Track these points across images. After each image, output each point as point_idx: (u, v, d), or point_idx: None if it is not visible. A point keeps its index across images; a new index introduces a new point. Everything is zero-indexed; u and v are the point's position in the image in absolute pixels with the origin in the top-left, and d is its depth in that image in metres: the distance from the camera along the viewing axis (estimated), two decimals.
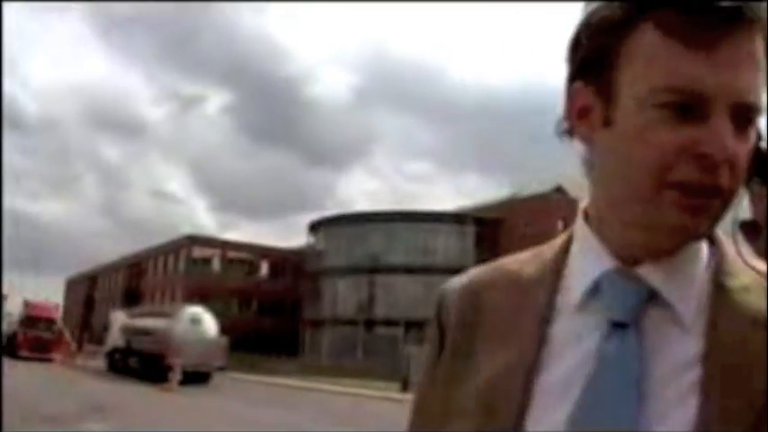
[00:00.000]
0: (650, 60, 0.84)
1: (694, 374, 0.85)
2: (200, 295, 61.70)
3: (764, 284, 0.89)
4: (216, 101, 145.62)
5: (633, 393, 0.84)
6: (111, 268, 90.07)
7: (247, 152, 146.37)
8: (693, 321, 0.88)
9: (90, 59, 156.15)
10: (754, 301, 0.88)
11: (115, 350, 38.60)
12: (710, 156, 0.81)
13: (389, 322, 57.41)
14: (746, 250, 0.90)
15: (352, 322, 59.48)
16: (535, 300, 0.96)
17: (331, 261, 62.34)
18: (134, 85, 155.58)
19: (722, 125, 0.81)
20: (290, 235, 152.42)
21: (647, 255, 0.90)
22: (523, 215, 55.56)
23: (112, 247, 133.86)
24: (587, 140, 0.92)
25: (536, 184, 56.76)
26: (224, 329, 36.18)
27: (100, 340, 47.27)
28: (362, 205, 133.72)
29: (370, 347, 56.79)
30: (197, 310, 35.72)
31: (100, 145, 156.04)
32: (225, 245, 74.38)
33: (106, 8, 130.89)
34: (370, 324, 58.91)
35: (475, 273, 1.09)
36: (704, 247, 0.93)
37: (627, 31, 0.85)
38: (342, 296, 61.61)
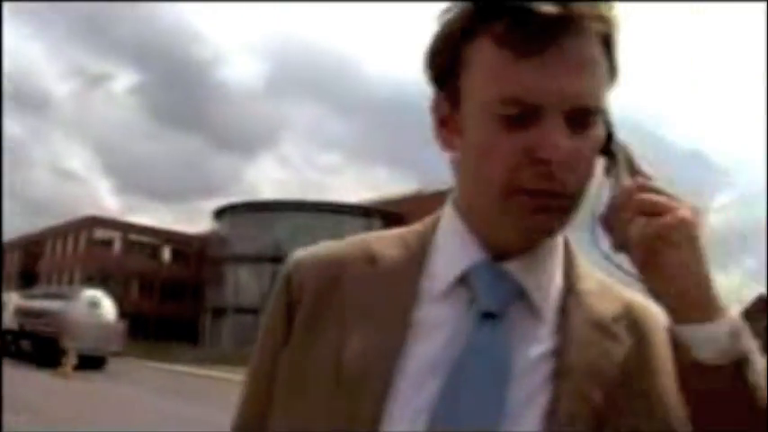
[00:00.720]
0: (486, 71, 0.87)
1: (549, 367, 0.90)
2: (99, 278, 60.49)
3: (605, 289, 0.99)
4: (123, 80, 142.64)
5: (501, 379, 0.88)
6: (7, 247, 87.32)
7: (154, 134, 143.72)
8: (551, 318, 0.94)
9: None
10: (596, 305, 0.96)
11: (7, 332, 37.43)
12: (545, 160, 0.84)
13: None
14: (605, 244, 0.91)
15: (254, 311, 59.07)
16: (400, 283, 0.97)
17: (235, 248, 61.78)
18: (39, 59, 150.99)
19: (553, 130, 0.84)
20: (195, 220, 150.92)
21: (510, 250, 0.94)
22: (429, 211, 55.65)
23: (8, 226, 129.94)
24: (449, 147, 0.97)
25: (443, 180, 57.34)
26: (123, 314, 35.49)
27: None
28: (269, 194, 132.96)
29: None
30: (95, 293, 34.95)
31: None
32: (127, 227, 73.00)
33: None
34: None
35: (331, 246, 1.09)
36: (560, 245, 1.00)
37: (467, 42, 0.88)
38: (244, 284, 61.14)
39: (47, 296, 37.50)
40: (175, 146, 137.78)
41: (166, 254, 74.80)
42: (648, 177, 0.88)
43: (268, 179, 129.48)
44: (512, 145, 0.86)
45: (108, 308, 34.00)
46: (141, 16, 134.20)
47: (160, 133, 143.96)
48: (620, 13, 0.88)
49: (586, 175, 0.89)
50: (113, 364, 32.41)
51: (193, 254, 72.79)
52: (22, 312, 35.95)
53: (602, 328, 0.94)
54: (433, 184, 60.19)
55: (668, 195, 0.85)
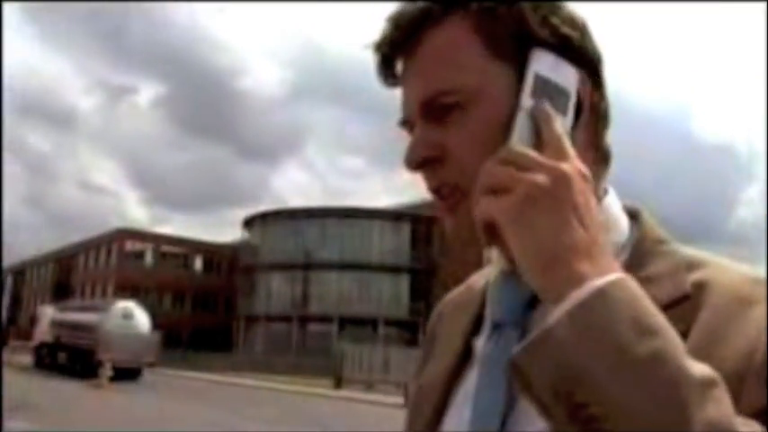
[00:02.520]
0: None
1: None
2: (132, 290, 60.93)
3: (678, 270, 0.85)
4: (147, 93, 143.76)
5: (501, 393, 0.84)
6: (40, 262, 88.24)
7: (179, 145, 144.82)
8: None
9: (18, 47, 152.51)
10: (660, 291, 0.80)
11: (43, 345, 37.84)
12: (411, 162, 0.87)
13: (323, 319, 57.34)
14: None
15: (285, 318, 59.24)
16: (470, 311, 0.99)
17: (265, 256, 61.99)
18: (64, 74, 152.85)
19: (413, 136, 0.88)
20: (222, 229, 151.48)
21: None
22: None
23: (39, 240, 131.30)
24: None
25: None
26: (156, 324, 35.75)
27: (27, 335, 46.25)
28: (295, 200, 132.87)
29: (303, 344, 56.63)
30: (129, 304, 35.23)
31: (26, 134, 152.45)
32: (158, 238, 73.51)
33: None
34: (303, 320, 58.75)
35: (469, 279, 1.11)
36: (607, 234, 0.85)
37: None
38: (276, 292, 61.31)
39: (81, 309, 37.86)
40: (200, 156, 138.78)
41: (198, 264, 75.19)
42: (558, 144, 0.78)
43: (293, 185, 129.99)
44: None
45: (142, 319, 34.25)
46: (162, 27, 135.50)
47: (185, 144, 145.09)
48: None
49: (473, 158, 0.83)
50: (147, 375, 32.64)
51: (224, 263, 73.16)
52: (57, 325, 36.31)
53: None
54: None
55: (531, 162, 0.74)
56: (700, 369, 0.66)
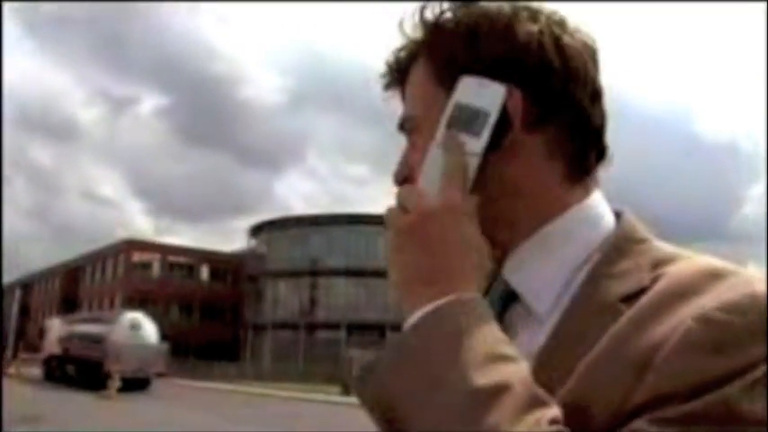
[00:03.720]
0: None
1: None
2: (139, 300, 60.94)
3: (642, 267, 0.86)
4: (148, 103, 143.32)
5: None
6: (47, 274, 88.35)
7: (182, 155, 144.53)
8: (550, 313, 0.88)
9: (17, 60, 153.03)
10: (620, 286, 0.84)
11: (52, 357, 37.90)
12: (394, 181, 0.99)
13: (331, 325, 57.35)
14: None
15: (293, 326, 59.25)
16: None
17: (272, 265, 62.05)
18: (64, 86, 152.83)
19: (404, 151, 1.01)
20: (227, 238, 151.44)
21: (496, 253, 0.92)
22: None
23: (46, 253, 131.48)
24: None
25: None
26: (164, 335, 35.78)
27: (35, 348, 46.33)
28: (299, 208, 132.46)
29: (311, 351, 56.63)
30: (136, 315, 35.28)
31: (29, 147, 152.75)
32: (164, 249, 73.50)
33: (34, 8, 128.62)
34: (311, 327, 58.77)
35: None
36: (574, 234, 0.92)
37: None
38: (283, 300, 61.37)
39: (89, 321, 37.92)
40: (204, 165, 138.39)
41: (204, 273, 75.18)
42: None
43: (297, 193, 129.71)
44: None
45: (149, 330, 34.29)
46: (161, 37, 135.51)
47: (188, 154, 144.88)
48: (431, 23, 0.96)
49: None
50: (156, 385, 32.65)
51: (231, 272, 73.16)
52: (66, 337, 36.38)
53: (607, 310, 0.82)
54: None
55: (407, 201, 0.87)
56: (491, 378, 0.73)
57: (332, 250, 59.14)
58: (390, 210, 0.88)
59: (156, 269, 71.86)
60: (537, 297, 0.90)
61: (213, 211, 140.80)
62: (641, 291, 0.82)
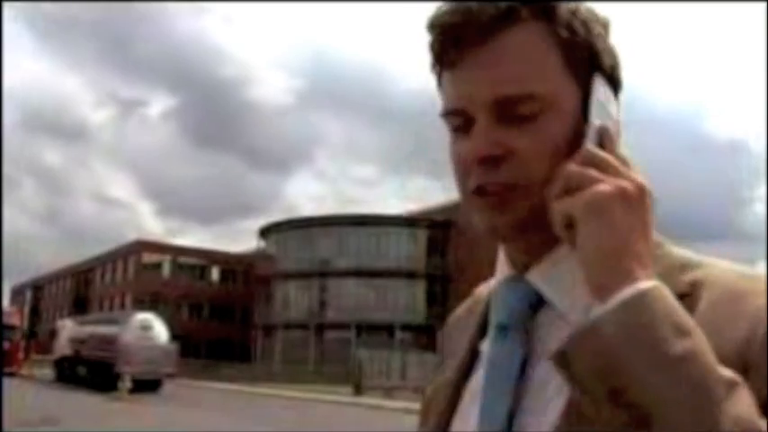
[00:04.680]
0: (443, 91, 0.93)
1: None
2: (150, 301, 61.20)
3: (672, 271, 0.86)
4: (157, 105, 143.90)
5: (508, 394, 0.87)
6: (58, 275, 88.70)
7: (190, 156, 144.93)
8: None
9: (27, 63, 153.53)
10: None
11: (63, 359, 38.02)
12: (481, 156, 0.86)
13: (341, 326, 57.40)
14: None
15: (303, 326, 59.32)
16: (477, 318, 1.02)
17: (282, 265, 62.13)
18: (74, 88, 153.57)
19: (484, 127, 0.86)
20: (236, 239, 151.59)
21: (524, 260, 0.92)
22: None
23: (57, 254, 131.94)
24: None
25: None
26: (175, 335, 35.83)
27: (46, 349, 46.47)
28: (308, 209, 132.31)
29: (322, 351, 56.73)
30: (147, 316, 35.34)
31: (40, 150, 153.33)
32: (175, 250, 73.75)
33: (41, 9, 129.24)
34: (321, 328, 58.82)
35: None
36: None
37: (435, 68, 0.94)
38: (293, 300, 61.45)
39: (100, 322, 37.99)
40: (212, 167, 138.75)
41: (214, 274, 75.40)
42: (618, 157, 0.83)
43: (306, 195, 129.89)
44: (457, 149, 0.90)
45: (160, 330, 34.34)
46: (169, 39, 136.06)
47: (196, 155, 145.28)
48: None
49: (541, 163, 0.86)
50: (168, 386, 32.71)
51: (241, 273, 73.33)
52: (77, 339, 36.46)
53: None
54: None
55: (614, 168, 0.80)
56: (726, 370, 0.71)
57: (341, 251, 59.18)
58: (584, 170, 0.80)
59: (166, 270, 72.11)
60: (571, 303, 0.88)
61: (223, 213, 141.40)
62: (681, 297, 0.79)
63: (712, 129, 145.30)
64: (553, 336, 0.87)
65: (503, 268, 0.97)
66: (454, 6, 0.88)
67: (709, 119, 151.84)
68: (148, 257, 71.62)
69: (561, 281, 0.90)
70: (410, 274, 58.24)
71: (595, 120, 0.86)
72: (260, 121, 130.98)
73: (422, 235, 59.78)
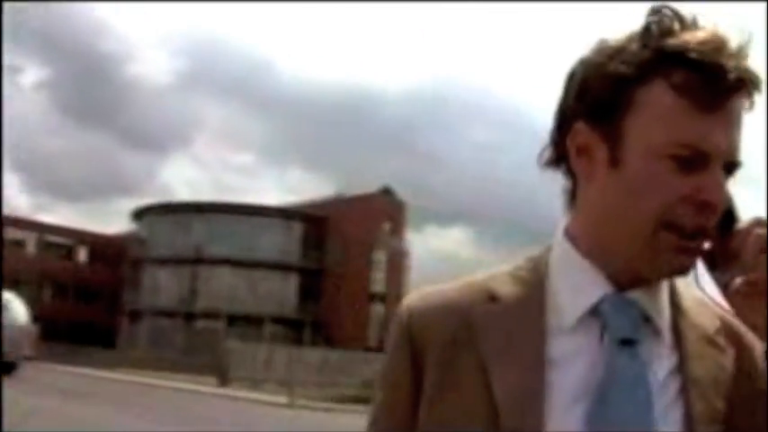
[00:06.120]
0: (661, 116, 0.96)
1: (677, 382, 1.01)
2: (11, 280, 58.87)
3: (701, 304, 1.10)
4: (31, 75, 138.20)
5: (646, 399, 0.97)
6: None
7: (64, 131, 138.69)
8: (667, 337, 1.03)
9: None
10: (700, 320, 1.07)
11: None
12: (711, 203, 0.95)
13: (211, 315, 56.72)
14: (706, 278, 1.17)
15: (172, 314, 58.33)
16: (527, 320, 1.03)
17: (153, 250, 60.93)
18: None
19: (719, 177, 0.96)
20: (107, 219, 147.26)
21: (637, 282, 1.01)
22: (349, 214, 56.12)
23: None
24: (587, 176, 1.03)
25: (361, 184, 57.48)
26: (36, 317, 34.61)
27: None
28: (183, 194, 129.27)
29: (190, 340, 55.85)
30: (5, 294, 33.96)
31: None
32: (41, 227, 71.20)
33: None
34: (190, 317, 57.99)
35: (444, 290, 1.10)
36: None
37: (639, 84, 0.97)
38: (163, 287, 60.37)
39: None
40: (86, 143, 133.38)
41: (82, 255, 73.23)
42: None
43: (182, 179, 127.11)
44: (680, 184, 0.95)
45: (19, 310, 33.04)
46: (50, 9, 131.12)
47: (70, 130, 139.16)
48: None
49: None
50: (24, 369, 31.60)
51: (111, 255, 71.46)
52: None
53: (710, 341, 1.05)
54: (352, 188, 60.24)
55: None
56: None
57: (214, 239, 58.43)
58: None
59: (30, 248, 69.52)
60: (662, 321, 1.04)
61: (95, 191, 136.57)
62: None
63: None
64: (653, 351, 1.01)
65: (593, 282, 1.02)
66: (726, 50, 0.95)
67: None
68: (12, 233, 68.89)
69: (658, 301, 1.03)
70: (284, 267, 58.05)
71: None
72: (138, 100, 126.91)
73: (297, 228, 59.66)
